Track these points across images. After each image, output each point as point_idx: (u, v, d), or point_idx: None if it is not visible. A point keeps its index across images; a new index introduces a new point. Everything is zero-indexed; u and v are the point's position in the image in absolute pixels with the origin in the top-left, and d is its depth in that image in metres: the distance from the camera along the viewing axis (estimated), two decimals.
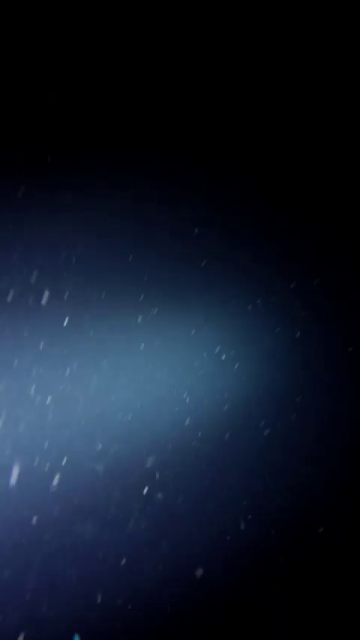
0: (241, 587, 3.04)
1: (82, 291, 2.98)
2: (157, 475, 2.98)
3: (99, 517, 2.87)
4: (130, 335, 3.04)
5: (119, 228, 3.09)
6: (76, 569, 2.81)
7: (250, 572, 3.06)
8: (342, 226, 3.29)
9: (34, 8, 2.94)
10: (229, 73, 3.21)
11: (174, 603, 2.93)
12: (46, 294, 2.93)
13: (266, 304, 3.23)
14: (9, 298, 2.87)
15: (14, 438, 2.79)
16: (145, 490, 2.95)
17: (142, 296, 3.08)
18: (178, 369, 3.10)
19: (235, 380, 3.16)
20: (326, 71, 3.24)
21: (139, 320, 3.05)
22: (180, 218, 3.17)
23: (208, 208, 3.23)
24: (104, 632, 2.82)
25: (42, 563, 2.76)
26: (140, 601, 2.88)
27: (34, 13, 2.95)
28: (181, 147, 3.17)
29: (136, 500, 2.94)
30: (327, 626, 3.04)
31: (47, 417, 2.85)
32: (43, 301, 2.92)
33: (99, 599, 2.82)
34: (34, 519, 2.75)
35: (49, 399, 2.87)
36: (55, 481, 2.81)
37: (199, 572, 2.97)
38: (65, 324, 2.93)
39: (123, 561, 2.88)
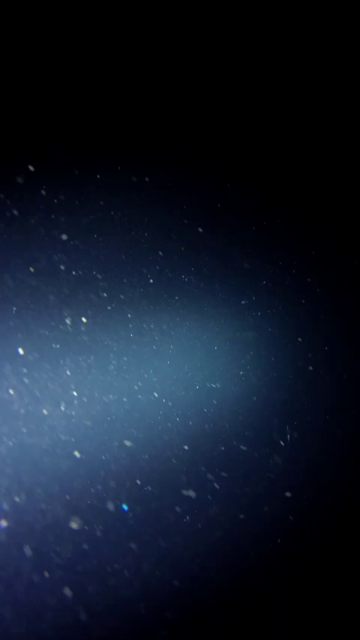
0: (241, 587, 3.04)
1: (83, 291, 2.99)
2: (156, 475, 2.98)
3: (98, 517, 2.87)
4: (129, 334, 3.04)
5: (120, 229, 3.10)
6: (76, 568, 2.81)
7: (250, 571, 3.06)
8: (342, 226, 3.29)
9: (35, 8, 2.95)
10: (229, 74, 3.21)
11: (174, 603, 2.93)
12: (46, 293, 2.93)
13: (267, 304, 3.23)
14: (9, 299, 2.88)
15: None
16: (145, 490, 2.96)
17: (142, 295, 3.08)
18: (177, 368, 3.10)
19: (235, 380, 3.16)
20: (326, 71, 3.24)
21: (139, 319, 3.06)
22: (181, 218, 3.17)
23: (209, 208, 3.23)
24: (104, 632, 2.82)
25: (41, 563, 2.76)
26: (141, 601, 2.89)
27: (34, 12, 2.96)
28: (182, 147, 3.18)
29: (136, 499, 2.94)
30: (327, 626, 3.04)
31: (46, 416, 2.86)
32: (44, 301, 2.92)
33: (99, 599, 2.81)
34: (32, 519, 2.76)
35: (49, 399, 2.87)
36: (55, 481, 2.81)
37: (199, 572, 2.97)
38: (66, 323, 2.94)
39: (123, 561, 2.88)
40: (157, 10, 3.10)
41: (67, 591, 2.77)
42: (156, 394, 3.04)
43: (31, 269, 2.94)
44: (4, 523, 2.71)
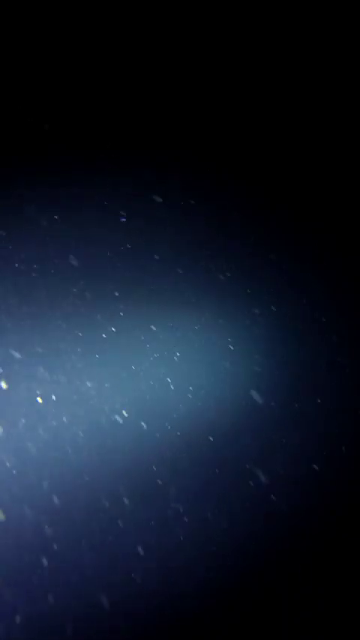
0: (241, 587, 3.04)
1: (86, 292, 2.99)
2: (155, 475, 2.99)
3: (97, 514, 2.87)
4: (129, 335, 3.05)
5: (119, 229, 3.10)
6: (76, 566, 2.81)
7: (250, 571, 3.06)
8: (342, 226, 3.29)
9: (35, 9, 2.96)
10: (229, 74, 3.21)
11: (174, 603, 2.93)
12: (49, 294, 2.94)
13: (267, 304, 3.24)
14: (11, 300, 2.89)
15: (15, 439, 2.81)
16: (144, 490, 2.96)
17: (142, 294, 3.09)
18: (177, 368, 3.10)
19: (235, 380, 3.16)
20: (326, 71, 3.25)
21: (139, 320, 3.06)
22: (180, 218, 3.18)
23: (209, 208, 3.23)
24: (104, 632, 2.82)
25: (41, 563, 2.77)
26: (140, 601, 2.89)
27: (34, 12, 2.96)
28: (182, 147, 3.18)
29: (135, 499, 2.95)
30: (327, 626, 3.04)
31: (47, 417, 2.86)
32: (45, 302, 2.93)
33: (99, 599, 2.82)
34: (32, 516, 2.76)
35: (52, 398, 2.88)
36: (56, 479, 2.82)
37: (199, 572, 2.98)
38: (67, 324, 2.94)
39: (122, 561, 2.88)
40: (156, 11, 3.10)
41: (65, 592, 2.77)
42: (156, 394, 3.05)
43: (34, 269, 2.95)
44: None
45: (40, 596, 2.74)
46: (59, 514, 2.79)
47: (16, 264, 2.96)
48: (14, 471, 2.75)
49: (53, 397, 2.87)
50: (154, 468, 2.99)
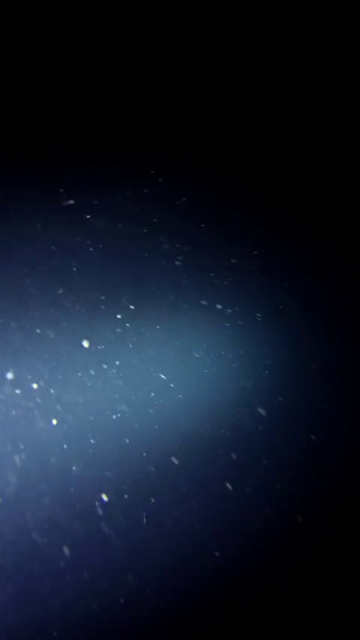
0: (241, 587, 3.04)
1: (82, 293, 2.99)
2: (155, 474, 2.99)
3: (97, 513, 2.87)
4: (126, 336, 3.05)
5: (118, 228, 3.10)
6: (72, 567, 2.81)
7: (250, 571, 3.06)
8: (342, 226, 3.29)
9: (35, 9, 2.96)
10: (229, 74, 3.21)
11: (174, 603, 2.93)
12: (45, 294, 2.94)
13: (267, 304, 3.24)
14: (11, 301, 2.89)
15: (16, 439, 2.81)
16: (144, 489, 2.96)
17: (142, 293, 3.09)
18: (175, 369, 3.10)
19: (234, 380, 3.16)
20: (326, 71, 3.25)
21: (138, 320, 3.06)
22: (180, 218, 3.18)
23: (209, 208, 3.23)
24: (104, 632, 2.82)
25: (41, 565, 2.77)
26: (140, 601, 2.89)
27: (34, 12, 2.97)
28: (182, 147, 3.18)
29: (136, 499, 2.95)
30: (327, 626, 3.04)
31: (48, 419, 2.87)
32: (46, 301, 2.93)
33: (99, 597, 2.82)
34: (31, 519, 2.76)
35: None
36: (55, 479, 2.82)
37: (199, 572, 2.98)
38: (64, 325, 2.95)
39: (122, 561, 2.88)
40: (156, 10, 3.11)
41: (65, 589, 2.77)
42: (152, 396, 3.05)
43: (30, 269, 2.95)
44: None
45: (39, 596, 2.74)
46: (53, 514, 2.80)
47: (17, 264, 2.96)
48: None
49: (51, 391, 2.88)
50: (154, 467, 2.99)
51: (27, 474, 2.80)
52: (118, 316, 3.05)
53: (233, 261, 3.23)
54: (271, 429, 3.16)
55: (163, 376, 3.06)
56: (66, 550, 2.79)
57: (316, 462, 3.19)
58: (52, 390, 2.88)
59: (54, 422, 2.86)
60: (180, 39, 3.15)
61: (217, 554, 3.02)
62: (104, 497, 2.89)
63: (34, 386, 2.88)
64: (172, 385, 3.06)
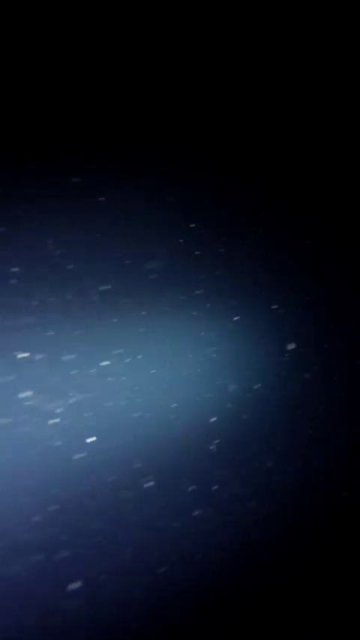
0: (243, 583, 3.07)
1: (83, 293, 2.99)
2: (156, 473, 3.00)
3: (97, 510, 2.88)
4: (129, 336, 3.05)
5: (118, 228, 3.09)
6: (72, 565, 2.82)
7: (252, 567, 3.09)
8: (342, 226, 3.30)
9: (35, 9, 2.93)
10: (229, 73, 3.20)
11: (175, 599, 2.95)
12: (48, 293, 2.93)
13: (266, 304, 3.25)
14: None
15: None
16: (145, 484, 2.97)
17: (141, 294, 3.08)
18: (174, 370, 3.11)
19: (233, 381, 3.18)
20: (326, 71, 3.25)
21: (136, 321, 3.06)
22: (180, 218, 3.17)
23: (209, 208, 3.23)
24: (104, 628, 2.84)
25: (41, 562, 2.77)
26: (140, 598, 2.91)
27: (34, 12, 2.94)
28: (182, 147, 3.17)
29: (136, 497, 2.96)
30: (330, 621, 3.07)
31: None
32: (45, 301, 2.92)
33: (99, 595, 2.83)
34: (34, 517, 2.76)
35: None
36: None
37: (200, 568, 2.99)
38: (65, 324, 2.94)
39: (123, 556, 2.89)
40: (157, 10, 3.09)
41: (64, 586, 2.78)
42: (154, 395, 3.06)
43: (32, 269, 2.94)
44: None
45: (39, 592, 2.75)
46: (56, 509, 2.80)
47: (17, 263, 2.95)
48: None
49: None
50: (155, 466, 3.00)
51: (27, 473, 2.80)
52: (115, 320, 3.05)
53: (233, 261, 3.24)
54: (271, 428, 3.18)
55: (158, 379, 3.07)
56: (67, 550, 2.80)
57: (316, 462, 3.21)
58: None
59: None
60: (180, 39, 3.14)
61: (217, 550, 3.04)
62: (104, 492, 2.90)
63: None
64: (165, 386, 3.07)
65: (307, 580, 3.13)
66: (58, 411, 2.86)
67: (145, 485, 2.97)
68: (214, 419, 3.11)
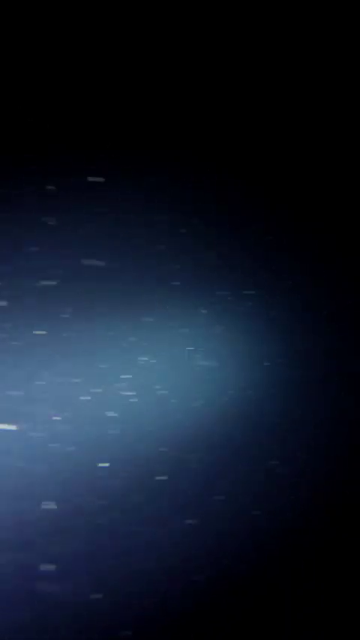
0: (243, 583, 3.06)
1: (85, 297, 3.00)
2: (156, 471, 3.00)
3: (98, 511, 2.88)
4: (128, 337, 3.05)
5: (118, 228, 3.09)
6: (73, 564, 2.82)
7: (252, 567, 3.08)
8: (342, 226, 3.30)
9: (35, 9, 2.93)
10: (229, 73, 3.20)
11: (175, 599, 2.95)
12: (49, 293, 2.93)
13: (266, 304, 3.24)
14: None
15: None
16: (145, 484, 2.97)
17: (141, 294, 3.08)
18: (172, 371, 3.10)
19: (233, 382, 3.17)
20: (326, 71, 3.25)
21: (136, 320, 3.06)
22: (180, 218, 3.17)
23: (209, 208, 3.23)
24: (104, 626, 2.83)
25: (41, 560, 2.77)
26: (140, 597, 2.90)
27: (34, 12, 2.94)
28: (182, 147, 3.17)
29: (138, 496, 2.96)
30: (330, 621, 3.07)
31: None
32: (46, 302, 2.93)
33: (99, 593, 2.83)
34: (31, 514, 2.76)
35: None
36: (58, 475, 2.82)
37: (200, 568, 2.99)
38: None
39: (123, 556, 2.89)
40: (156, 10, 3.09)
41: (65, 587, 2.78)
42: (153, 395, 3.05)
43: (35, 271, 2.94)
44: None
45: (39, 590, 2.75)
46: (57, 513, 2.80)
47: (16, 263, 2.95)
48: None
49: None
50: (156, 465, 3.00)
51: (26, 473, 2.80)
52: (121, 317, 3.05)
53: (233, 261, 3.24)
54: (271, 429, 3.17)
55: (157, 386, 3.07)
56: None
57: (316, 461, 3.21)
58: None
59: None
60: (180, 39, 3.14)
61: (217, 550, 3.04)
62: (104, 491, 2.90)
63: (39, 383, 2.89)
64: (166, 391, 3.07)
65: (307, 580, 3.12)
66: None
67: (146, 485, 2.97)
68: (214, 419, 3.11)
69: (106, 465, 2.93)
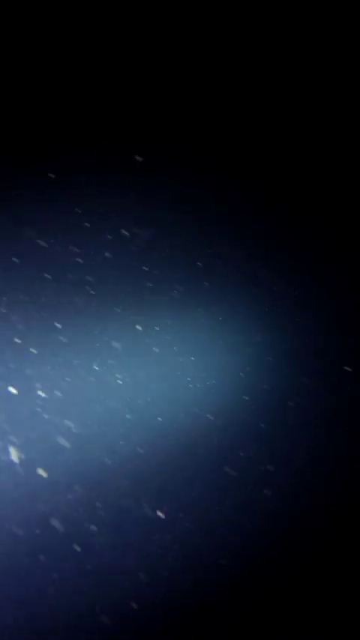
0: (243, 583, 3.06)
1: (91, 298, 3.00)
2: (156, 471, 3.00)
3: (99, 513, 2.88)
4: (131, 337, 3.06)
5: (119, 228, 3.10)
6: (75, 565, 2.82)
7: (252, 567, 3.09)
8: (342, 226, 3.30)
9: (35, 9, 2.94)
10: (229, 73, 3.21)
11: (176, 599, 2.95)
12: (48, 294, 2.94)
13: (266, 304, 3.25)
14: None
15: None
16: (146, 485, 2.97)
17: (141, 294, 3.09)
18: (173, 371, 3.11)
19: (233, 383, 3.18)
20: (326, 71, 3.25)
21: (140, 322, 3.07)
22: (180, 218, 3.18)
23: (209, 208, 3.23)
24: (105, 626, 2.84)
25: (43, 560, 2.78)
26: (141, 597, 2.90)
27: (34, 12, 2.95)
28: (182, 147, 3.17)
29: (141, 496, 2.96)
30: (330, 621, 3.07)
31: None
32: (49, 305, 2.94)
33: (98, 593, 2.83)
34: (34, 514, 2.76)
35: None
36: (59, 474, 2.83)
37: (201, 568, 3.00)
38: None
39: (123, 558, 2.90)
40: (156, 10, 3.09)
41: (66, 588, 2.78)
42: (156, 394, 3.06)
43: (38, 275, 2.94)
44: None
45: (39, 594, 2.75)
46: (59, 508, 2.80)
47: (16, 263, 2.95)
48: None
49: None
50: (157, 466, 3.00)
51: (27, 474, 2.81)
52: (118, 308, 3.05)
53: (233, 261, 3.24)
54: (272, 429, 3.18)
55: (157, 387, 3.07)
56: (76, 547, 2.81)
57: (316, 461, 3.21)
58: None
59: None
60: (180, 39, 3.14)
61: (218, 550, 3.04)
62: (103, 495, 2.91)
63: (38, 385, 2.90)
64: (168, 390, 3.08)
65: (307, 580, 3.13)
66: None
67: (145, 486, 2.98)
68: (214, 419, 3.11)
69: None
